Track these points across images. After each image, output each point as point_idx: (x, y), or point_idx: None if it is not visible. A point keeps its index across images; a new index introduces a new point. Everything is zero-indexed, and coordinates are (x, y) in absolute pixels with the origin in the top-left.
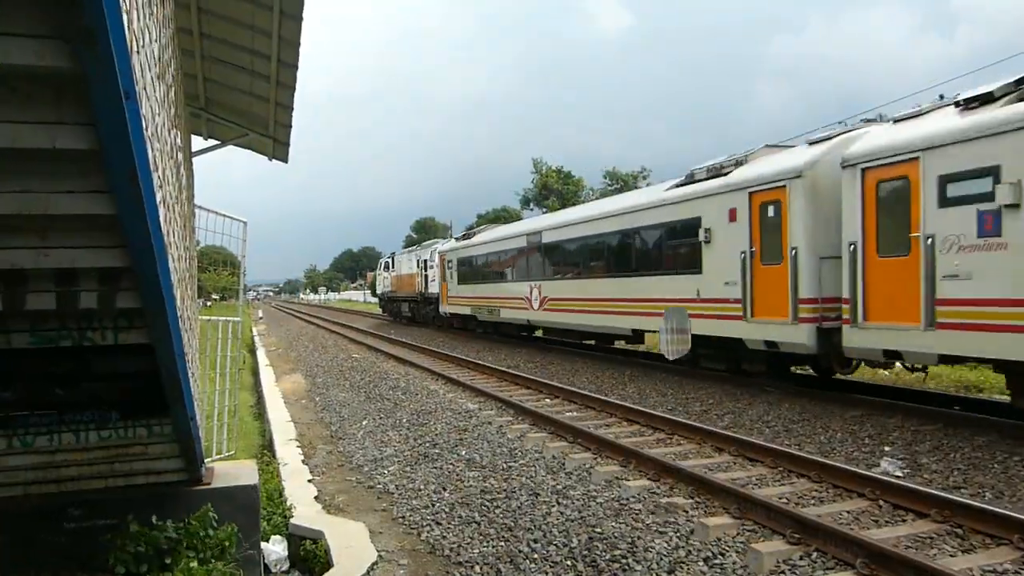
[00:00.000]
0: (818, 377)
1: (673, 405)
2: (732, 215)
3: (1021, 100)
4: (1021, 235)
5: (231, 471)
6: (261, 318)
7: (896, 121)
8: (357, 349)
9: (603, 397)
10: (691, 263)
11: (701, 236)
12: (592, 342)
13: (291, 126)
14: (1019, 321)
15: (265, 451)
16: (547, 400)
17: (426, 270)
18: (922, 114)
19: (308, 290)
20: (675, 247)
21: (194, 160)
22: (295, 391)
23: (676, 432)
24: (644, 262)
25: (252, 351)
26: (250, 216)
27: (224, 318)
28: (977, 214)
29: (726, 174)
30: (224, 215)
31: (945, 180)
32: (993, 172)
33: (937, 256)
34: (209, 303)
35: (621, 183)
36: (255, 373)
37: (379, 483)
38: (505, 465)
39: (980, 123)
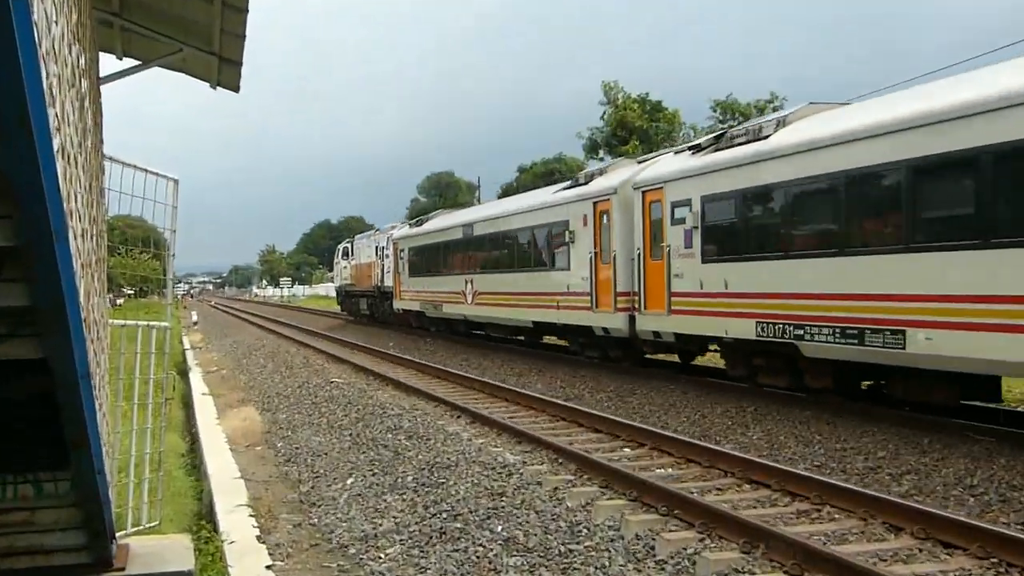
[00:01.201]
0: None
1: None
2: (585, 220)
3: (716, 151)
4: (699, 249)
5: (154, 551)
6: (196, 324)
7: (676, 153)
8: (335, 367)
9: (700, 442)
10: (565, 261)
11: (567, 238)
12: (520, 338)
13: (245, 37)
14: (705, 308)
15: (203, 522)
16: (610, 444)
17: (383, 260)
18: (691, 148)
19: (264, 281)
20: (555, 246)
21: (103, 89)
22: (247, 432)
23: (827, 500)
24: (538, 259)
25: (183, 372)
26: (183, 174)
27: (146, 323)
28: (683, 232)
29: (584, 183)
30: (146, 171)
31: (673, 205)
32: (689, 203)
33: (672, 261)
34: (120, 300)
35: (737, 117)
36: (188, 405)
37: (373, 573)
38: (563, 549)
39: (684, 167)
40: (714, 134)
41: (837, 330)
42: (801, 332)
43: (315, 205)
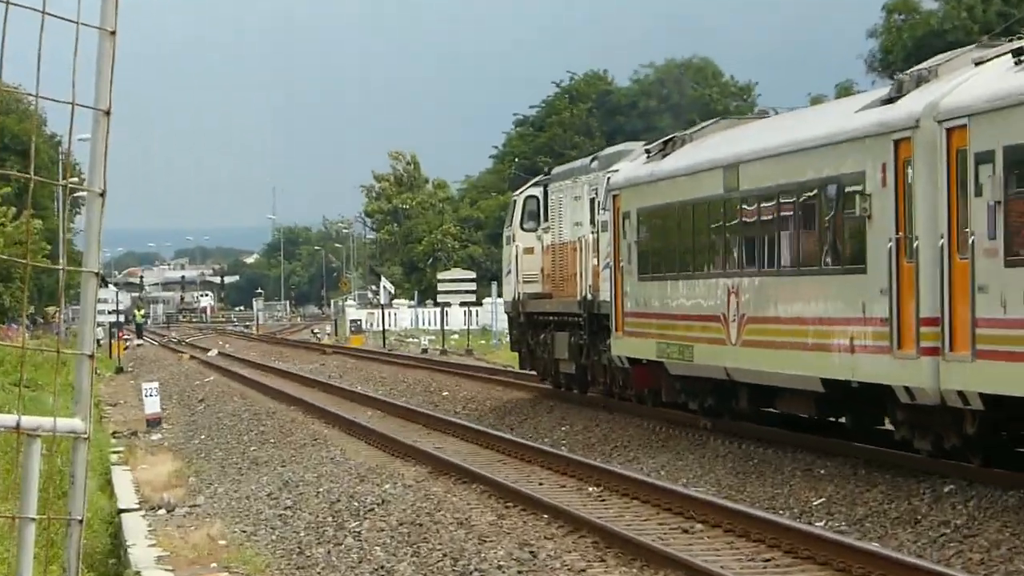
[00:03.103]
0: None
1: None
2: (884, 174)
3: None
4: (1003, 240)
5: None
6: (156, 423)
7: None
8: None
9: None
10: (857, 253)
11: (860, 207)
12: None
13: None
14: None
15: None
16: None
17: (598, 234)
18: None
19: (384, 290)
20: (843, 223)
21: None
22: None
23: None
24: (817, 249)
25: None
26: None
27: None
28: (986, 209)
29: (896, 98)
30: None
31: (977, 159)
32: (991, 156)
33: (975, 261)
34: None
35: None
36: None
37: None
38: None
39: (999, 88)
40: None
41: None
42: None
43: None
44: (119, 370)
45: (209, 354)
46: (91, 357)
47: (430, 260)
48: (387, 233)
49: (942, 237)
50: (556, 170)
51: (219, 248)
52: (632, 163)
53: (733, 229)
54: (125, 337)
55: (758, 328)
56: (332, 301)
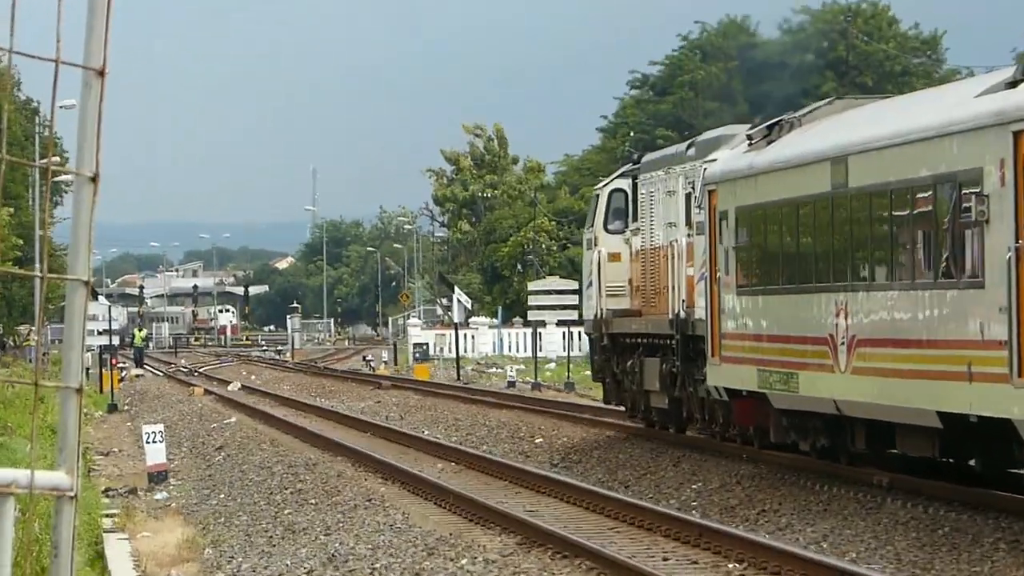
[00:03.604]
0: None
1: None
2: (1002, 171)
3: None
4: None
5: None
6: (162, 476)
7: None
8: None
9: None
10: (974, 263)
11: (976, 209)
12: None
13: None
14: None
15: None
16: None
17: (692, 236)
18: None
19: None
20: (958, 226)
21: None
22: None
23: None
24: (925, 257)
25: None
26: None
27: None
28: None
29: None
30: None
31: None
32: None
33: None
34: None
35: None
36: None
37: None
38: None
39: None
40: None
41: None
42: None
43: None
44: (113, 408)
45: (230, 388)
46: (79, 391)
47: (518, 266)
48: (461, 230)
49: None
50: (647, 158)
51: (243, 250)
52: (732, 151)
53: (841, 234)
54: (121, 365)
55: (869, 353)
56: (390, 319)
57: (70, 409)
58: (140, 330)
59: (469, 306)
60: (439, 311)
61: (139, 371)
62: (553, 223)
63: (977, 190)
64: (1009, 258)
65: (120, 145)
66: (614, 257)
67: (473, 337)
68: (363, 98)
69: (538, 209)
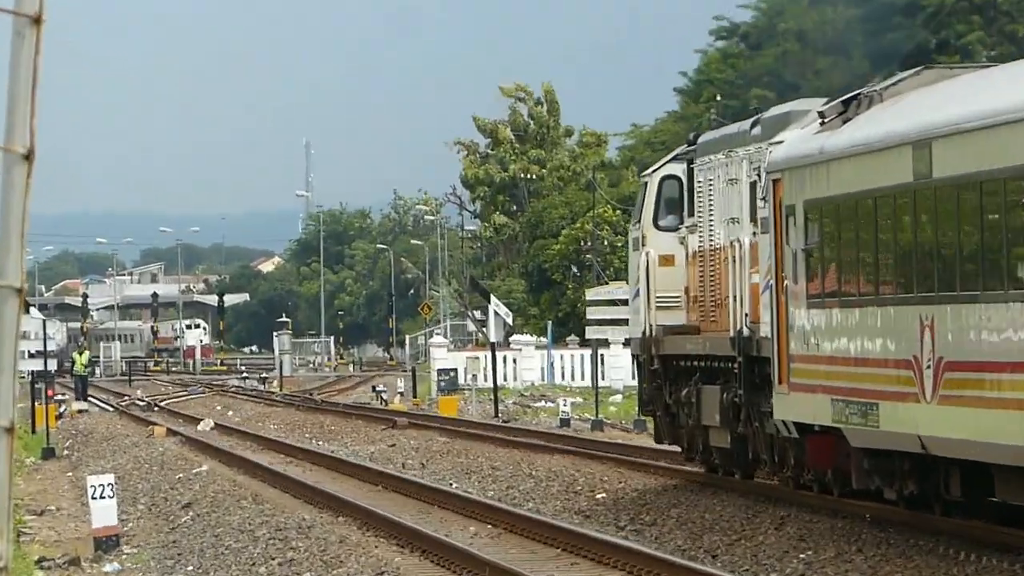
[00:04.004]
0: None
1: None
2: None
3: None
4: None
5: None
6: (113, 542)
7: None
8: None
9: None
10: None
11: None
12: None
13: None
14: None
15: None
16: None
17: (756, 236)
18: None
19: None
20: None
21: None
22: None
23: None
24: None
25: None
26: None
27: None
28: None
29: None
30: None
31: None
32: None
33: None
34: None
35: None
36: None
37: None
38: None
39: None
40: None
41: None
42: None
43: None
44: (49, 453)
45: (201, 427)
46: (9, 431)
47: (573, 268)
48: (498, 222)
49: None
50: (705, 137)
51: (215, 248)
52: (802, 131)
53: (925, 234)
54: (59, 397)
55: (959, 379)
56: (407, 338)
57: None
58: (82, 352)
59: (509, 320)
60: (471, 327)
61: (82, 405)
62: (617, 213)
63: None
64: None
65: (51, 113)
66: (666, 260)
67: (515, 361)
68: (370, 56)
69: (598, 195)
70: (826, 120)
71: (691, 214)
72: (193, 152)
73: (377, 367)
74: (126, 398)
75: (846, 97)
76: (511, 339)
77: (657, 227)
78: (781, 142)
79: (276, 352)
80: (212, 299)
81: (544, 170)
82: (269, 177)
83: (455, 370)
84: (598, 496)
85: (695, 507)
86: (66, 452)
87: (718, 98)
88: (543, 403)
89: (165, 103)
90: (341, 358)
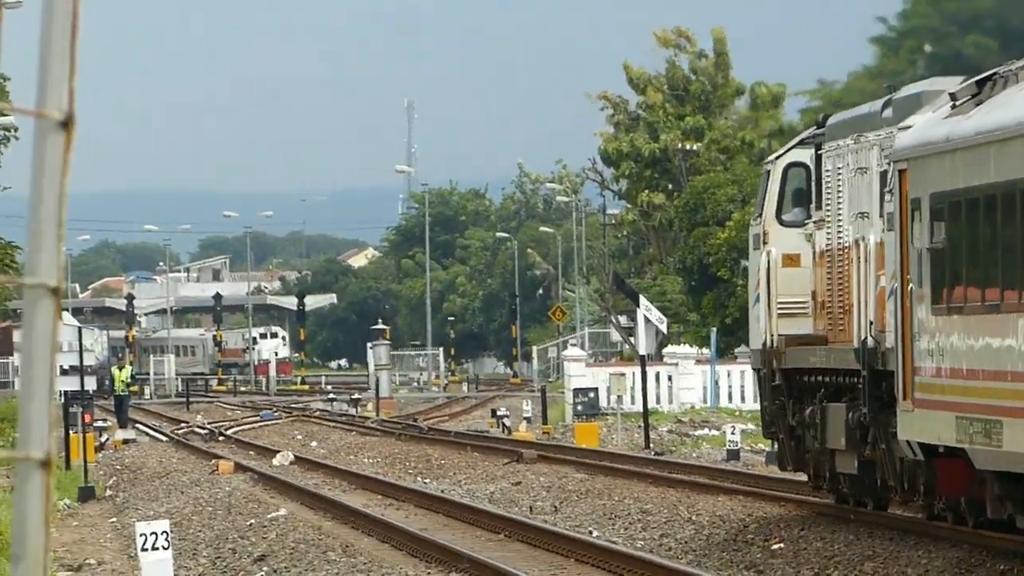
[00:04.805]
0: None
1: None
2: None
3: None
4: None
5: None
6: None
7: None
8: None
9: None
10: None
11: None
12: None
13: None
14: None
15: None
16: None
17: (883, 232)
18: None
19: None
20: None
21: None
22: None
23: None
24: None
25: None
26: None
27: None
28: None
29: None
30: None
31: None
32: None
33: None
34: None
35: None
36: None
37: None
38: None
39: None
40: None
41: None
42: None
43: None
44: (87, 494)
45: (277, 461)
46: (46, 465)
47: (743, 263)
48: (650, 205)
49: None
50: (835, 119)
51: (294, 237)
52: (933, 115)
53: None
54: (99, 424)
55: None
56: (534, 349)
57: (32, 494)
58: (122, 368)
59: (664, 328)
60: (615, 336)
61: (128, 434)
62: None
63: None
64: None
65: (89, 76)
66: (790, 260)
67: (671, 378)
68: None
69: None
70: (958, 102)
71: (819, 207)
72: (265, 116)
73: (497, 386)
74: (183, 425)
75: (980, 77)
76: (665, 352)
77: (781, 222)
78: (910, 127)
79: (371, 367)
80: (290, 301)
81: (700, 144)
82: (362, 148)
83: (595, 390)
84: (774, 546)
85: (893, 560)
86: (109, 492)
87: (924, 48)
88: (706, 431)
89: (231, 50)
90: (452, 375)
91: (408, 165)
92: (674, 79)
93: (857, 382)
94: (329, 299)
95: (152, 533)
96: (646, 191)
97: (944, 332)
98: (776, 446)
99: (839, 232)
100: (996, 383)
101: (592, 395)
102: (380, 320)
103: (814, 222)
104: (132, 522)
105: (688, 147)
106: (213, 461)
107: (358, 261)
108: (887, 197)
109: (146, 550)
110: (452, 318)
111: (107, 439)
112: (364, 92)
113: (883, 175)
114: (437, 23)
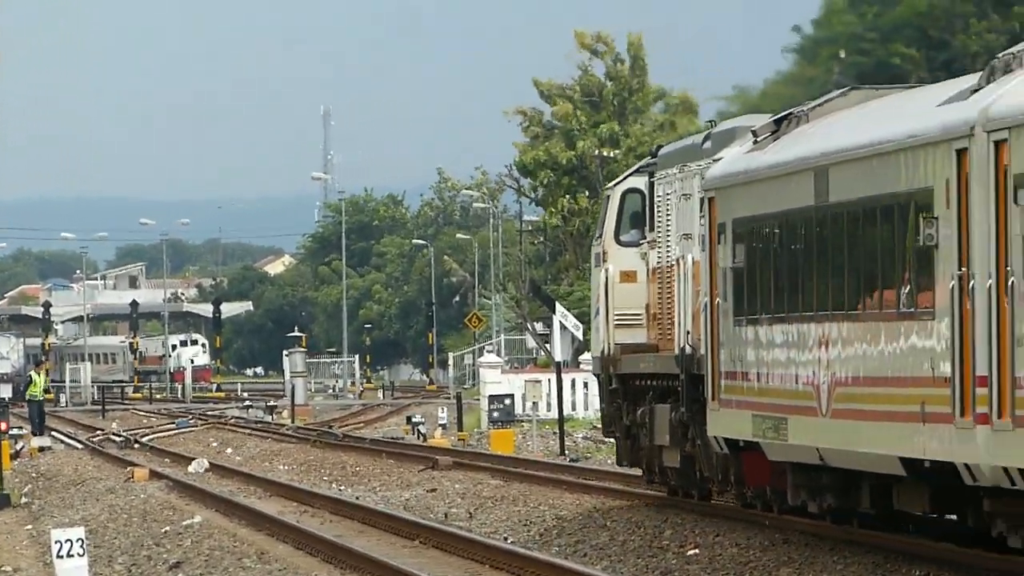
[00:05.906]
0: None
1: None
2: (947, 192)
3: (775, 140)
4: None
5: None
6: None
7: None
8: None
9: None
10: (922, 292)
11: (927, 233)
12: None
13: None
14: None
15: None
16: None
17: (691, 253)
18: None
19: None
20: (911, 253)
21: None
22: None
23: None
24: (880, 283)
25: None
26: None
27: None
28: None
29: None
30: None
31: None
32: None
33: (1016, 300)
34: None
35: None
36: None
37: None
38: None
39: None
40: None
41: None
42: None
43: None
44: (2, 502)
45: (192, 468)
46: None
47: None
48: (563, 209)
49: (990, 276)
50: (665, 150)
51: (210, 244)
52: (739, 149)
53: (823, 256)
54: (15, 431)
55: (846, 393)
56: (450, 356)
57: None
58: (39, 374)
59: (580, 335)
60: (531, 343)
61: (44, 441)
62: None
63: (929, 211)
64: (952, 287)
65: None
66: (627, 276)
67: (586, 385)
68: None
69: None
70: (759, 139)
71: (652, 229)
72: (181, 124)
73: (413, 393)
74: (99, 432)
75: (779, 116)
76: (581, 358)
77: (619, 242)
78: (720, 159)
79: (287, 375)
80: (207, 309)
81: (618, 151)
82: (278, 156)
83: (511, 397)
84: (689, 552)
85: (818, 566)
86: (24, 500)
87: (841, 55)
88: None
89: (153, 56)
90: (368, 382)
91: (324, 172)
92: (587, 85)
93: (678, 385)
94: (245, 306)
95: (68, 540)
96: (566, 196)
97: (742, 341)
98: (615, 446)
99: (667, 251)
100: (782, 385)
101: (508, 402)
102: (296, 327)
103: (648, 242)
104: (48, 529)
105: (605, 154)
106: (128, 468)
107: (275, 268)
108: (701, 221)
109: (61, 557)
110: (369, 325)
111: (23, 447)
112: (278, 98)
113: (702, 201)
114: (355, 41)
